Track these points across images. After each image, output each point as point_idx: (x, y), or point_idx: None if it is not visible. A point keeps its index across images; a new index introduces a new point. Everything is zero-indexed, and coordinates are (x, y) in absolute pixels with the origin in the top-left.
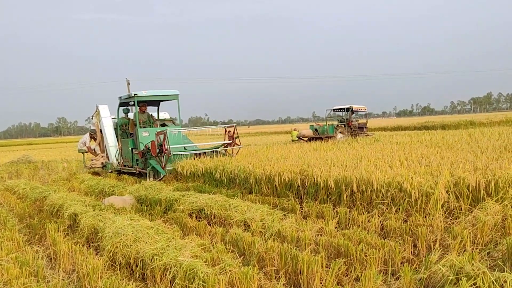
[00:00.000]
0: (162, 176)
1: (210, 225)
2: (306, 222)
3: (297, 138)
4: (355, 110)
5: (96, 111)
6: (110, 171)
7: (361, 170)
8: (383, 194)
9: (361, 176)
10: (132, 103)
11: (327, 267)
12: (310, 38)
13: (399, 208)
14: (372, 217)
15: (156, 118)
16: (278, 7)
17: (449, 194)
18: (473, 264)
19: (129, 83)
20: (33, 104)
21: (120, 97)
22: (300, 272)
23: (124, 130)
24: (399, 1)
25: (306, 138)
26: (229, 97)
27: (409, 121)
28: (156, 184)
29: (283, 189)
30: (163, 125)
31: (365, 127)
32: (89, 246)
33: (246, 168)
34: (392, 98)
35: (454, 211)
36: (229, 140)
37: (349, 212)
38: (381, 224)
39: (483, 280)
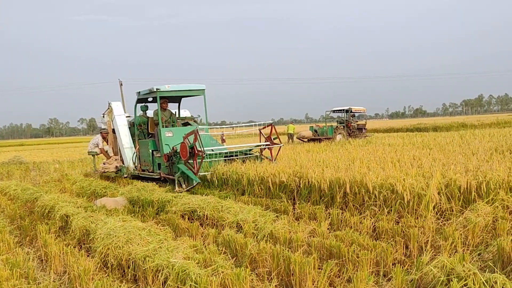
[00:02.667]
0: (194, 184)
1: (202, 226)
2: (298, 223)
3: (293, 132)
4: (354, 111)
5: (108, 108)
6: (125, 176)
7: (353, 171)
8: (375, 196)
9: (353, 178)
10: (151, 99)
11: (319, 268)
12: (302, 40)
13: (391, 210)
14: (364, 219)
15: (178, 116)
16: (269, 9)
17: (440, 196)
18: (464, 265)
19: (121, 84)
20: (24, 105)
21: (139, 93)
22: (293, 274)
23: (142, 130)
24: (391, 4)
25: (306, 139)
26: (222, 98)
27: (402, 123)
28: (149, 185)
29: (277, 191)
30: (186, 124)
31: (364, 128)
32: (80, 248)
33: (239, 170)
34: (384, 100)
35: (446, 213)
36: (266, 141)
37: (342, 213)
38: (373, 226)
39: (473, 281)
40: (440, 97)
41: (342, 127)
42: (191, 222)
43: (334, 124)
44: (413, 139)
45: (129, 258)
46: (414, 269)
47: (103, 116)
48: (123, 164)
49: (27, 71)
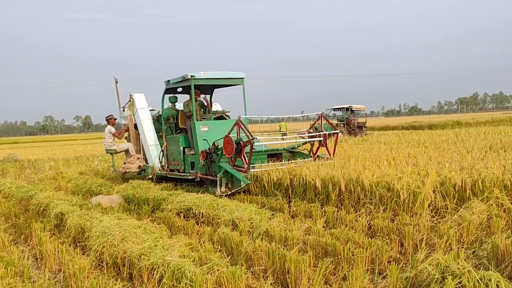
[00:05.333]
0: (243, 186)
1: (198, 224)
2: (294, 221)
3: (285, 130)
4: (354, 110)
5: (130, 101)
6: (150, 176)
7: (349, 169)
8: (371, 194)
9: (349, 176)
10: (181, 89)
11: (314, 266)
12: (298, 38)
13: (387, 208)
14: (359, 217)
15: (210, 109)
16: (263, 9)
17: (435, 194)
18: (458, 263)
19: (117, 82)
20: (19, 102)
21: (168, 81)
22: (288, 272)
23: (170, 124)
24: (387, 3)
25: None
26: (218, 94)
27: (397, 120)
28: (144, 183)
29: (272, 189)
30: (219, 118)
31: (365, 127)
32: (75, 246)
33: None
34: (380, 97)
35: (441, 211)
36: (319, 136)
37: (337, 211)
38: (369, 224)
39: (468, 278)
40: (435, 95)
41: (343, 125)
42: (187, 220)
43: (335, 122)
44: (409, 137)
45: (125, 256)
46: (409, 266)
47: (123, 110)
48: (147, 163)
49: (22, 68)
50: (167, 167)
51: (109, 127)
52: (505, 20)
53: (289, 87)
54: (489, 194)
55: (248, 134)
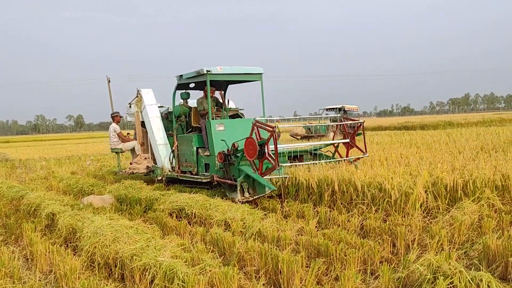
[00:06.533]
0: (267, 192)
1: (190, 224)
2: (286, 221)
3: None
4: (347, 110)
5: (137, 97)
6: (159, 178)
7: (341, 170)
8: (363, 194)
9: (342, 176)
10: (193, 85)
11: (307, 267)
12: (289, 38)
13: (379, 208)
14: (352, 217)
15: (224, 106)
16: (257, 8)
17: (427, 194)
18: (450, 263)
19: (109, 81)
20: (10, 101)
21: (180, 76)
22: (280, 272)
23: (180, 122)
24: (378, 2)
25: (299, 137)
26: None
27: (389, 121)
28: (136, 183)
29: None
30: (235, 116)
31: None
32: (67, 246)
33: None
34: (372, 98)
35: (432, 211)
36: (346, 137)
37: (330, 211)
38: (361, 224)
39: (459, 279)
40: (428, 96)
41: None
42: (179, 220)
43: (327, 121)
44: (401, 137)
45: (116, 257)
46: (401, 267)
47: (130, 106)
48: (156, 164)
49: (13, 66)
50: (178, 168)
51: (114, 125)
52: (495, 21)
53: (283, 87)
54: (480, 195)
55: (268, 128)
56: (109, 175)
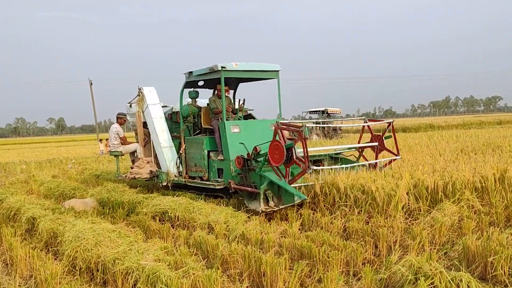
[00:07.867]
0: (297, 201)
1: (173, 228)
2: (270, 224)
3: None
4: (330, 113)
5: (139, 95)
6: (164, 183)
7: (324, 172)
8: (346, 196)
9: (324, 178)
10: (202, 82)
11: (290, 269)
12: (273, 39)
13: (362, 210)
14: (335, 219)
15: (235, 106)
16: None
17: (409, 196)
18: (431, 264)
19: (91, 84)
20: None
21: (190, 73)
22: (264, 274)
23: (187, 123)
24: (359, 6)
25: None
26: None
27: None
28: (119, 186)
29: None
30: (248, 117)
31: (340, 129)
32: (47, 251)
33: None
34: (355, 101)
35: (414, 212)
36: (373, 141)
37: (313, 214)
38: (344, 226)
39: (440, 279)
40: (409, 99)
41: (318, 128)
42: (162, 224)
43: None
44: None
45: (98, 261)
46: (383, 268)
47: (130, 106)
48: (160, 168)
49: None
50: (186, 173)
51: (117, 126)
52: (476, 26)
53: (263, 90)
54: (460, 196)
55: (294, 128)
56: (91, 178)
